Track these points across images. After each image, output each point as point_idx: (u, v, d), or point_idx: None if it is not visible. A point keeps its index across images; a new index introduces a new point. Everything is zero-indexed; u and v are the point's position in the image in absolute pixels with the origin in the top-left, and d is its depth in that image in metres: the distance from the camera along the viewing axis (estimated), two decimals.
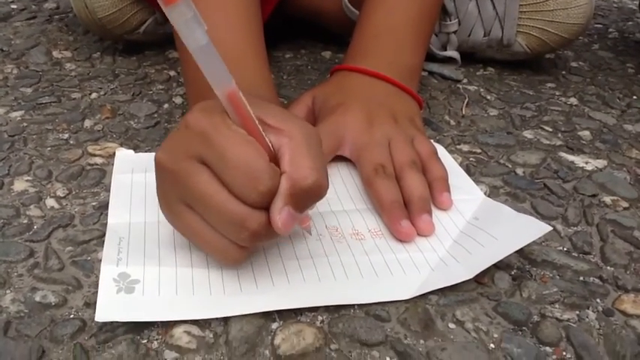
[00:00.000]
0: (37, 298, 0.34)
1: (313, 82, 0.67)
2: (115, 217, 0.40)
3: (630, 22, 0.99)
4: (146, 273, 0.36)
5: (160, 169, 0.33)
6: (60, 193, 0.44)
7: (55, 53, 0.71)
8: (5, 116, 0.56)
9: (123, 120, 0.56)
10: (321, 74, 0.70)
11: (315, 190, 0.32)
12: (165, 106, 0.59)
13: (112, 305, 0.33)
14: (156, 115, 0.57)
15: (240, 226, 0.31)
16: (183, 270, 0.36)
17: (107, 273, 0.35)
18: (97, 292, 0.34)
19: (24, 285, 0.36)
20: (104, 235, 0.39)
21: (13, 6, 0.90)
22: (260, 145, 0.31)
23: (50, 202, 0.43)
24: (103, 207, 0.43)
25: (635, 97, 0.69)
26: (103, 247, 0.38)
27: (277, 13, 0.68)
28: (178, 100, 0.60)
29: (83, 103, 0.59)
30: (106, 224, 0.40)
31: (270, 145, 0.33)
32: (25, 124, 0.54)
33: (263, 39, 0.50)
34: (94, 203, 0.43)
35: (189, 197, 0.32)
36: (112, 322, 0.33)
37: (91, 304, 0.34)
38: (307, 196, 0.32)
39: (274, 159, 0.32)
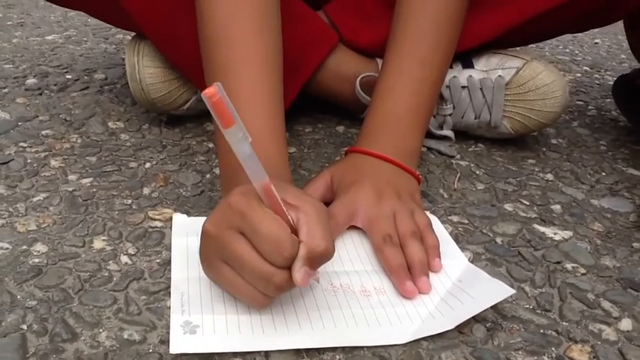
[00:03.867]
0: (125, 336, 0.46)
1: (329, 155, 0.79)
2: (176, 273, 0.52)
3: (608, 100, 1.12)
4: (204, 320, 0.47)
5: (206, 235, 0.45)
6: (131, 251, 0.56)
7: (110, 124, 0.84)
8: (77, 182, 0.68)
9: (174, 188, 0.68)
10: (336, 147, 0.82)
11: (325, 254, 0.44)
12: (208, 176, 0.71)
13: (180, 342, 0.44)
14: (200, 185, 0.69)
15: (268, 281, 0.43)
16: (231, 316, 0.48)
17: (175, 321, 0.47)
18: (168, 332, 0.45)
19: (113, 325, 0.47)
20: (169, 287, 0.51)
21: (68, 76, 1.04)
22: (284, 222, 0.43)
23: (124, 258, 0.55)
24: (166, 264, 0.54)
25: (604, 173, 0.80)
26: (169, 296, 0.49)
27: (299, 93, 0.81)
28: (218, 171, 0.73)
29: (140, 172, 0.71)
30: (169, 278, 0.51)
31: (291, 219, 0.44)
32: (94, 190, 0.66)
33: (283, 119, 0.61)
34: (158, 260, 0.55)
35: (229, 257, 0.44)
36: (181, 355, 0.44)
37: (165, 342, 0.45)
38: (319, 259, 0.44)
39: (294, 230, 0.44)
